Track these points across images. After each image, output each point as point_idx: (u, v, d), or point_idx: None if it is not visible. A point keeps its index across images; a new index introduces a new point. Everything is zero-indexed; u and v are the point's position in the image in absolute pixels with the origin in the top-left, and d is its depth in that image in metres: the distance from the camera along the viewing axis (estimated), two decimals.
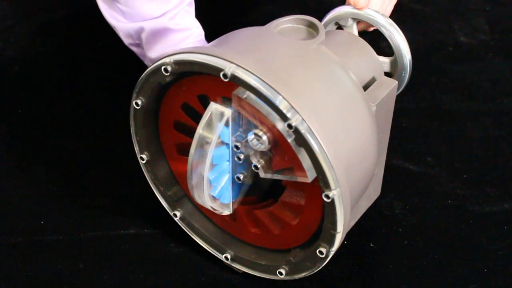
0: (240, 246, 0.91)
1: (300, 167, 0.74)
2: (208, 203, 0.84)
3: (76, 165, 1.08)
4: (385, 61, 0.95)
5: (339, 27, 0.97)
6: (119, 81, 1.22)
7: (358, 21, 0.95)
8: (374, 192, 0.95)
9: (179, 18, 1.03)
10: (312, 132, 0.71)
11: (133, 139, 0.90)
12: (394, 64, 0.94)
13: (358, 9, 0.93)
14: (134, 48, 1.09)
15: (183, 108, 0.85)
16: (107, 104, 1.19)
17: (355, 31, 0.95)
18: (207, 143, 0.79)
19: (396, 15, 1.02)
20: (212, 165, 0.80)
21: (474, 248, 0.96)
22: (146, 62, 1.10)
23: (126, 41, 1.08)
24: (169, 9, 1.01)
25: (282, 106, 0.71)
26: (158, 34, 1.03)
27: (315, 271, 0.83)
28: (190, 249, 0.96)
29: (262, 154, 0.78)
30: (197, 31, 1.05)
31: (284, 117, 0.71)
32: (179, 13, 1.03)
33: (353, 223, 0.91)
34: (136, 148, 0.90)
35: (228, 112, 0.77)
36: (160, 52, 1.03)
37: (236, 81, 0.73)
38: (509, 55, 1.30)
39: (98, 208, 1.02)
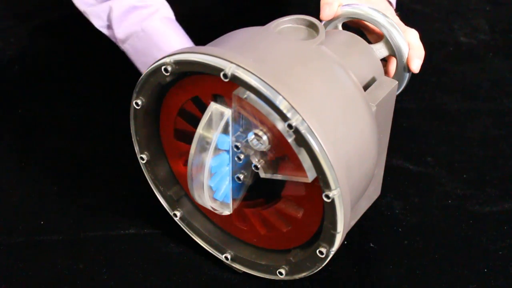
0: (240, 246, 0.91)
1: (300, 167, 0.74)
2: (208, 203, 0.84)
3: (76, 165, 1.08)
4: (379, 46, 0.93)
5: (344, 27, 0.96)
6: (119, 81, 1.22)
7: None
8: (374, 192, 0.95)
9: None
10: (312, 132, 0.71)
11: (133, 139, 0.89)
12: (388, 45, 0.92)
13: (322, 19, 0.91)
14: (105, 31, 1.13)
15: (183, 108, 0.85)
16: (107, 104, 1.18)
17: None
18: (207, 143, 0.79)
19: (396, 15, 1.02)
20: (212, 166, 0.80)
21: (474, 248, 0.96)
22: (119, 45, 1.11)
23: (97, 23, 1.11)
24: None
25: (282, 106, 0.71)
26: (125, 12, 1.07)
27: (315, 271, 0.83)
28: (190, 249, 0.96)
29: (262, 154, 0.78)
30: (164, 9, 1.09)
31: (284, 117, 0.71)
32: None
33: (353, 223, 0.91)
34: (136, 148, 0.90)
35: (228, 112, 0.77)
36: (128, 30, 1.07)
37: (236, 81, 0.73)
38: (509, 55, 1.30)
39: (98, 208, 1.02)
